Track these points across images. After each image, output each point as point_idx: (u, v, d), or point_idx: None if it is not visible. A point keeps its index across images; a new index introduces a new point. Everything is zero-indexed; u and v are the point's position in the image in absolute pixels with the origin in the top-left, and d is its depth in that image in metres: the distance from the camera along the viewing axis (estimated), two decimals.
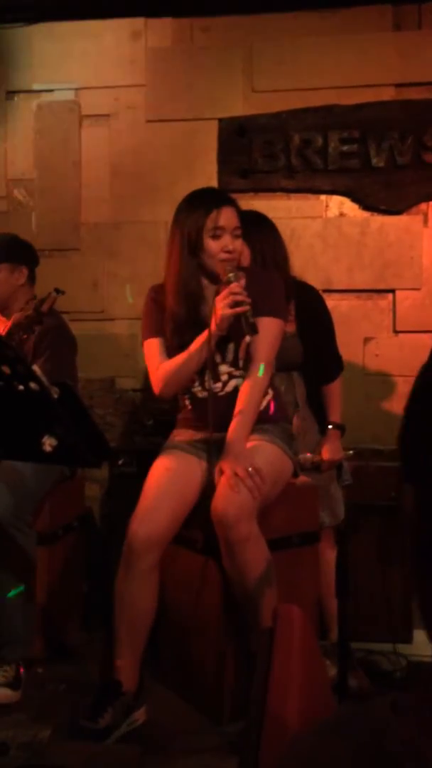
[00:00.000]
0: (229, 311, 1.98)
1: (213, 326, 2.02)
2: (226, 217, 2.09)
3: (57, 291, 2.32)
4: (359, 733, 0.50)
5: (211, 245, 2.08)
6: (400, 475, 0.73)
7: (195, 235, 2.08)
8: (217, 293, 2.05)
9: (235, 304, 1.98)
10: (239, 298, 1.98)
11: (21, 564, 2.20)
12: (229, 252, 2.08)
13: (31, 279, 2.62)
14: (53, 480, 2.40)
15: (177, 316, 2.11)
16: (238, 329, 2.10)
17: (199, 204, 2.11)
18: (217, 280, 2.09)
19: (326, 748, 0.51)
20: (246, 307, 1.98)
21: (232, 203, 2.13)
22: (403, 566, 2.52)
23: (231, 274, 2.03)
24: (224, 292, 2.01)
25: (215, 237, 2.08)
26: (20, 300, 2.54)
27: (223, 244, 2.07)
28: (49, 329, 2.45)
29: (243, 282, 2.05)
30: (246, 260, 2.38)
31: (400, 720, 0.48)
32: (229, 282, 2.02)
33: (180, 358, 2.11)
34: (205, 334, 2.04)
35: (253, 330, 1.99)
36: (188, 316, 2.10)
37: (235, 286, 2.00)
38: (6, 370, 1.48)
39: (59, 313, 2.62)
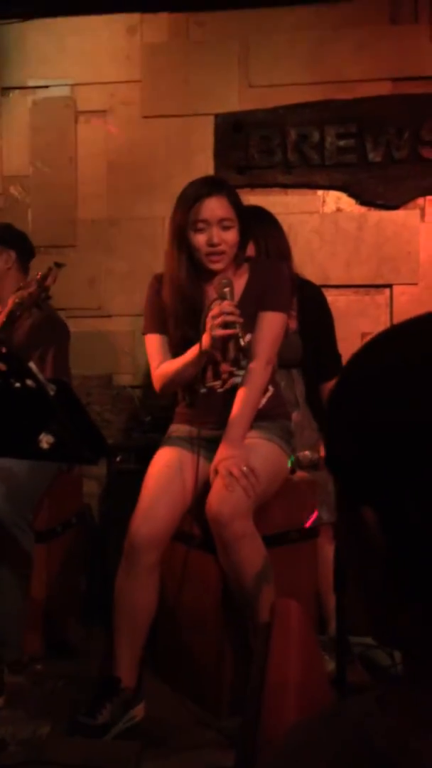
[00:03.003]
0: (219, 333, 1.93)
1: (204, 343, 1.97)
2: (210, 209, 2.01)
3: (57, 264, 2.21)
4: (345, 728, 0.50)
5: (195, 239, 2.03)
6: (342, 502, 0.53)
7: (180, 230, 2.05)
8: (210, 308, 1.98)
9: (226, 325, 1.93)
10: (230, 318, 1.92)
11: (19, 564, 2.19)
12: (213, 245, 2.01)
13: (23, 267, 2.55)
14: (50, 477, 2.39)
15: (174, 311, 2.10)
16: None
17: (184, 197, 2.06)
18: (206, 275, 2.06)
19: (312, 743, 0.50)
20: (236, 330, 1.92)
21: (221, 192, 2.03)
22: None
23: (226, 289, 1.98)
24: (215, 310, 1.95)
25: (199, 231, 2.02)
26: (9, 285, 2.43)
27: (208, 238, 2.01)
28: (46, 322, 2.42)
29: (236, 302, 1.99)
30: (250, 254, 2.37)
31: (385, 713, 0.48)
32: (223, 298, 1.97)
33: (175, 364, 2.08)
34: (197, 347, 1.99)
35: (244, 354, 1.95)
36: (184, 310, 2.07)
37: (227, 305, 1.94)
38: (1, 366, 1.48)
39: (54, 308, 2.59)
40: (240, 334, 1.93)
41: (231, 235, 2.04)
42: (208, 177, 2.11)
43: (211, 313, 1.95)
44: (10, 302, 2.19)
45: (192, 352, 2.02)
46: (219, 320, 1.93)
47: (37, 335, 2.39)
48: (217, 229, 2.01)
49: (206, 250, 2.02)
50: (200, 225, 2.02)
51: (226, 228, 2.03)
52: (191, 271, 2.07)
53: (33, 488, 2.27)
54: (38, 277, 2.16)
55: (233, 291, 2.01)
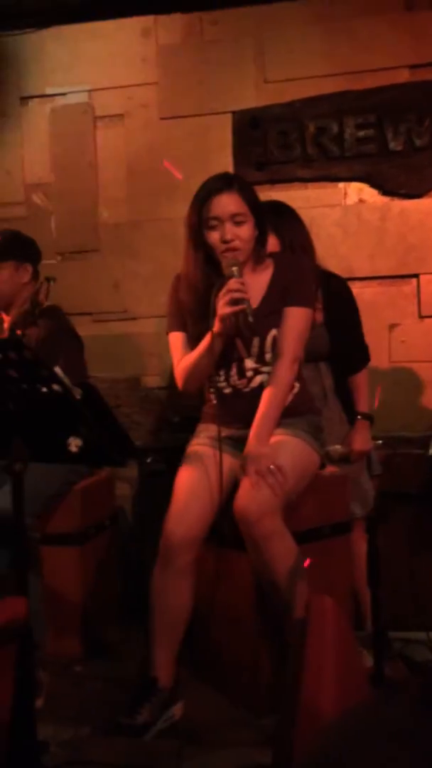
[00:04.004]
0: (227, 310, 1.94)
1: (215, 326, 1.98)
2: (220, 205, 2.00)
3: (48, 279, 2.29)
4: (392, 724, 0.49)
5: (210, 237, 2.02)
6: None
7: (196, 229, 2.05)
8: (219, 289, 1.98)
9: (233, 302, 1.93)
10: (237, 295, 1.92)
11: (31, 565, 2.19)
12: (226, 242, 2.01)
13: (35, 276, 2.57)
14: (62, 481, 2.37)
15: (191, 309, 2.10)
16: (258, 323, 2.08)
17: (197, 196, 2.06)
18: (222, 273, 2.05)
19: (352, 742, 0.50)
20: (243, 306, 1.92)
21: (231, 188, 2.01)
22: None
23: (234, 268, 1.98)
24: (223, 290, 1.96)
25: (212, 228, 2.01)
26: (24, 298, 2.49)
27: (221, 234, 2.01)
28: (54, 332, 2.43)
29: (244, 278, 1.99)
30: (275, 248, 2.36)
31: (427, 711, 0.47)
32: (230, 277, 1.96)
33: (192, 356, 2.09)
34: (209, 334, 1.99)
35: (251, 330, 1.94)
36: (200, 308, 2.05)
37: (233, 283, 1.94)
38: (29, 372, 1.49)
39: (65, 314, 2.60)
40: (248, 311, 1.93)
41: (245, 231, 2.02)
42: (219, 174, 2.10)
43: (220, 294, 1.96)
44: (7, 324, 2.30)
45: (206, 341, 2.02)
46: (227, 297, 1.93)
47: (45, 346, 2.41)
48: (229, 225, 2.01)
49: (221, 248, 2.02)
50: (213, 222, 2.02)
51: (238, 223, 2.01)
52: (207, 270, 2.06)
53: (41, 490, 2.24)
54: (32, 295, 2.28)
55: (241, 270, 2.00)
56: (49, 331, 2.43)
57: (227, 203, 2.00)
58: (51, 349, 2.40)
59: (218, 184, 2.04)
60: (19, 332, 2.40)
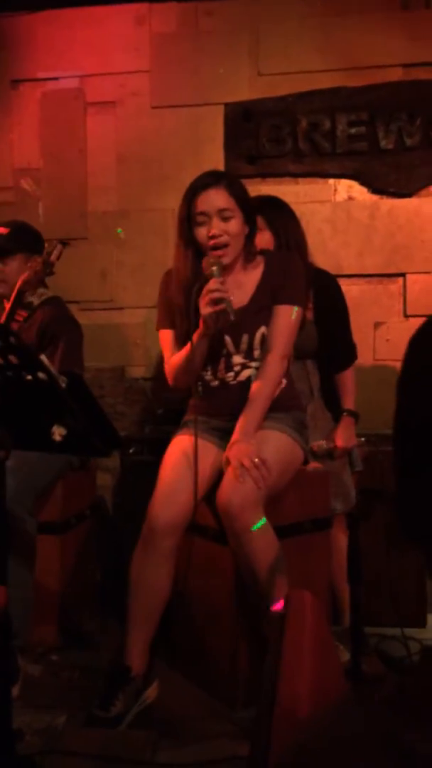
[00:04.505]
0: (208, 310, 1.94)
1: (199, 326, 1.99)
2: (208, 200, 2.00)
3: (62, 242, 2.29)
4: (364, 719, 0.49)
5: (198, 233, 2.03)
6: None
7: (185, 227, 2.05)
8: (200, 289, 1.98)
9: (213, 302, 1.93)
10: (216, 295, 1.92)
11: (22, 552, 2.20)
12: (213, 237, 2.00)
13: None
14: (57, 470, 2.39)
15: (179, 307, 2.10)
16: (248, 320, 2.08)
17: (186, 193, 2.06)
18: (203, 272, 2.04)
19: (330, 735, 0.50)
20: (223, 305, 1.93)
21: (218, 184, 2.02)
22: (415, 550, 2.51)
23: (214, 268, 1.97)
24: (204, 290, 1.96)
25: (200, 224, 2.02)
26: (33, 286, 2.49)
27: (208, 230, 2.01)
28: (54, 319, 2.45)
29: (226, 277, 2.00)
30: (269, 244, 2.36)
31: (404, 702, 0.48)
32: (210, 276, 1.96)
33: (180, 355, 2.10)
34: (196, 334, 2.01)
35: (233, 329, 1.96)
36: (187, 305, 2.05)
37: (212, 283, 1.94)
38: (14, 359, 1.48)
39: (65, 302, 2.61)
40: (229, 309, 1.93)
41: (232, 226, 2.02)
42: (208, 171, 2.10)
43: (202, 294, 1.96)
44: (19, 281, 2.30)
45: (193, 340, 2.03)
46: (207, 298, 1.93)
47: (47, 332, 2.42)
48: (217, 220, 2.01)
49: (209, 244, 2.02)
50: (200, 218, 2.02)
51: (226, 219, 2.01)
52: (196, 267, 2.06)
53: (38, 478, 2.28)
54: (44, 254, 2.27)
55: (221, 268, 2.00)
56: (52, 318, 2.44)
57: (214, 198, 2.01)
58: (52, 335, 2.41)
59: (206, 180, 2.04)
60: (24, 315, 2.40)
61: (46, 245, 2.37)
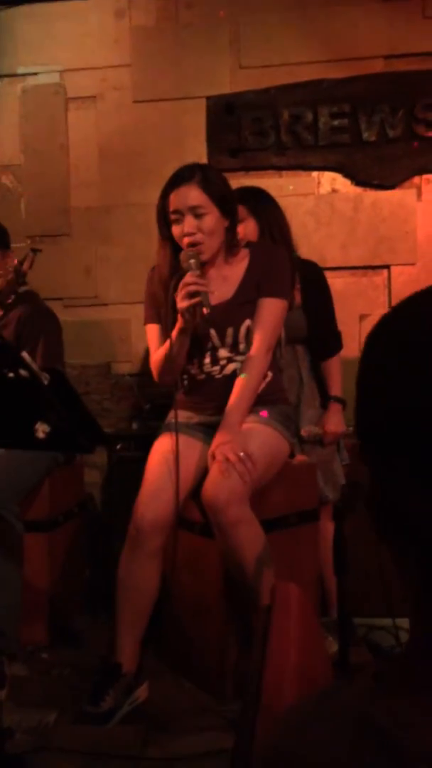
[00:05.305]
0: (184, 304, 1.93)
1: (178, 321, 1.98)
2: (181, 198, 1.98)
3: (34, 250, 2.30)
4: (344, 705, 0.50)
5: (174, 231, 2.02)
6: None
7: (162, 224, 2.05)
8: (177, 283, 1.97)
9: (189, 295, 1.92)
10: (192, 288, 1.91)
11: (8, 555, 2.19)
12: (188, 235, 1.99)
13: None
14: (44, 468, 2.38)
15: (162, 302, 2.10)
16: (232, 313, 2.08)
17: (162, 189, 2.05)
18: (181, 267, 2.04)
19: (311, 722, 0.50)
20: (198, 298, 1.91)
21: (191, 180, 1.99)
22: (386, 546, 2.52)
23: (191, 261, 1.96)
24: (180, 284, 1.95)
25: (176, 222, 2.01)
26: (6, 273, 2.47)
27: (182, 228, 2.00)
28: (32, 315, 2.44)
29: (200, 272, 1.98)
30: (253, 235, 2.36)
31: (384, 689, 0.48)
32: (187, 270, 1.96)
33: (163, 349, 2.09)
34: (178, 327, 2.00)
35: (209, 322, 1.97)
36: (167, 301, 2.05)
37: (188, 276, 1.94)
38: None
39: (42, 299, 2.59)
40: (204, 302, 1.92)
41: (206, 223, 2.00)
42: (185, 165, 2.08)
43: (179, 288, 1.96)
44: None
45: (172, 335, 2.02)
46: (183, 292, 1.92)
47: (25, 329, 2.41)
48: (189, 218, 1.99)
49: (184, 241, 2.01)
50: (174, 216, 2.01)
51: (199, 216, 1.99)
52: (175, 261, 2.05)
53: (23, 477, 2.27)
54: (15, 263, 2.27)
55: (198, 261, 1.99)
56: (29, 314, 2.43)
57: (185, 196, 1.99)
58: (30, 331, 2.39)
59: (180, 175, 2.02)
60: (9, 301, 2.40)
61: (14, 260, 2.37)
